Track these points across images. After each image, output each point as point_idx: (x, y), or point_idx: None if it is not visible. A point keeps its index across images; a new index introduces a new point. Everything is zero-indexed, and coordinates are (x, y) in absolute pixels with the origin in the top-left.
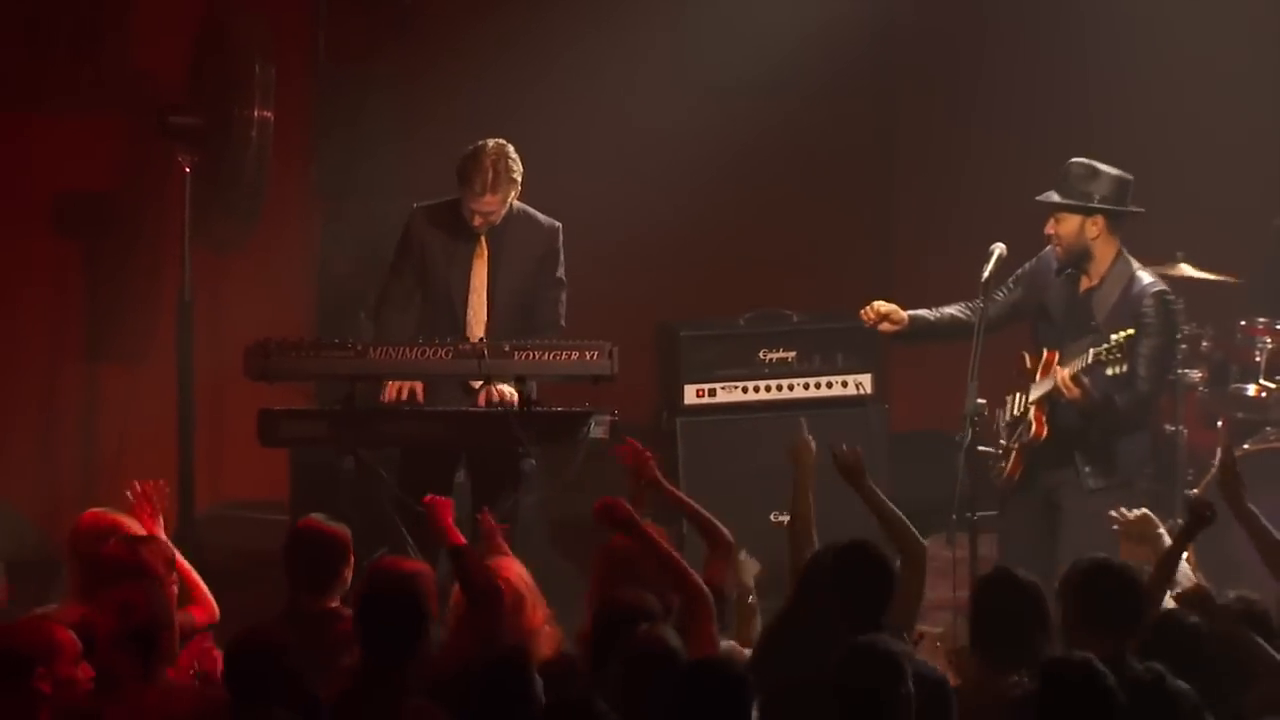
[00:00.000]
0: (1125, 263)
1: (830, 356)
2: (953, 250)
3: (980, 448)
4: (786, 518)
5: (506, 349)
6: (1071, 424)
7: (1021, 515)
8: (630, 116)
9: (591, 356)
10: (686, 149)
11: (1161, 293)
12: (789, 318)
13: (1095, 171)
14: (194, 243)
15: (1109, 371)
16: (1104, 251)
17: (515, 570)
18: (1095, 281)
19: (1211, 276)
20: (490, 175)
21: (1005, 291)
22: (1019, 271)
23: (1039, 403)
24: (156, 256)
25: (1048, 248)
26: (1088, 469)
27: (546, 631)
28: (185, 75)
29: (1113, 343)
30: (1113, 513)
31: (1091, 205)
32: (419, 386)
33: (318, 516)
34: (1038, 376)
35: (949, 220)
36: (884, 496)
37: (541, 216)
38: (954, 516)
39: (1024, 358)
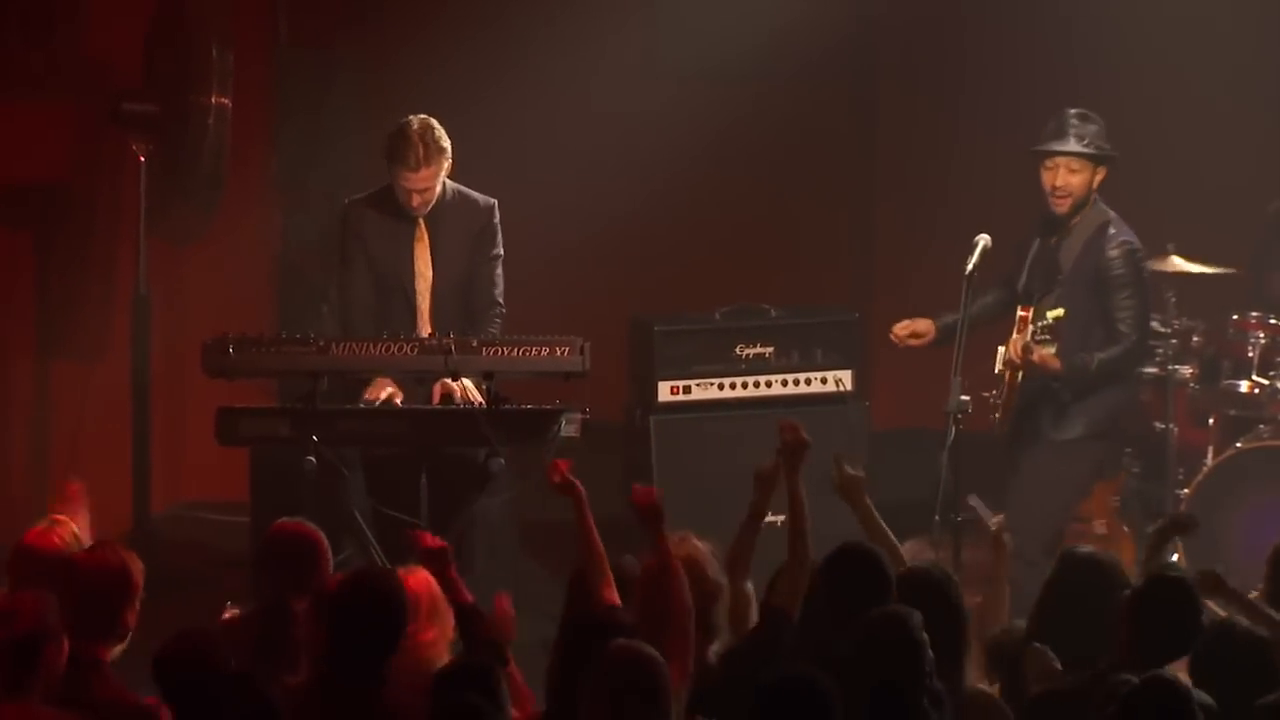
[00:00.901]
0: (1100, 209)
1: (809, 352)
2: (937, 241)
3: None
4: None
5: (474, 344)
6: (1037, 381)
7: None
8: (602, 104)
9: (562, 352)
10: (660, 138)
11: (1128, 245)
12: (767, 312)
13: (1092, 118)
14: (149, 234)
15: (1041, 351)
16: (1090, 207)
17: (420, 578)
18: (1061, 230)
19: (1204, 269)
20: (421, 149)
21: (996, 291)
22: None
23: (1007, 363)
24: (110, 249)
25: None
26: (1050, 421)
27: (439, 648)
28: (140, 60)
29: (1047, 321)
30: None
31: (1111, 153)
32: (398, 393)
33: (290, 519)
34: (1014, 333)
35: (933, 210)
36: (880, 520)
37: (477, 194)
38: (936, 518)
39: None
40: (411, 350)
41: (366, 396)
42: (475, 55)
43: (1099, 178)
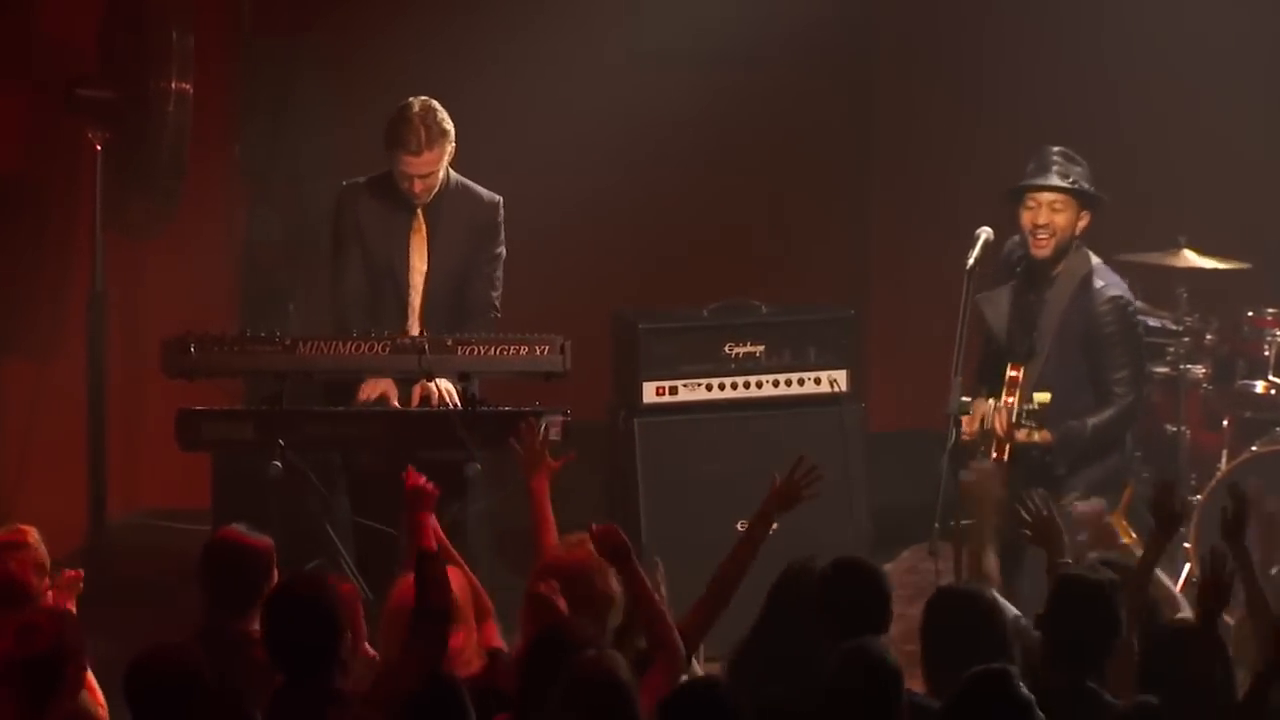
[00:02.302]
0: (1083, 256)
1: (802, 351)
2: (935, 235)
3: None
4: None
5: (449, 343)
6: (1034, 455)
7: None
8: (582, 91)
9: (542, 351)
10: (644, 125)
11: (1119, 299)
12: (757, 309)
13: (1076, 159)
14: (106, 228)
15: (1025, 435)
16: (1073, 252)
17: (457, 581)
18: (1044, 280)
19: (1217, 264)
20: (423, 132)
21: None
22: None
23: (1010, 423)
24: (65, 243)
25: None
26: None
27: (467, 654)
28: (95, 44)
29: (1033, 405)
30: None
31: (1098, 195)
32: (392, 392)
33: (238, 527)
34: (1003, 396)
35: (930, 202)
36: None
37: (482, 189)
38: (936, 525)
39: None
40: (383, 349)
41: (360, 398)
42: (450, 42)
43: (1083, 223)
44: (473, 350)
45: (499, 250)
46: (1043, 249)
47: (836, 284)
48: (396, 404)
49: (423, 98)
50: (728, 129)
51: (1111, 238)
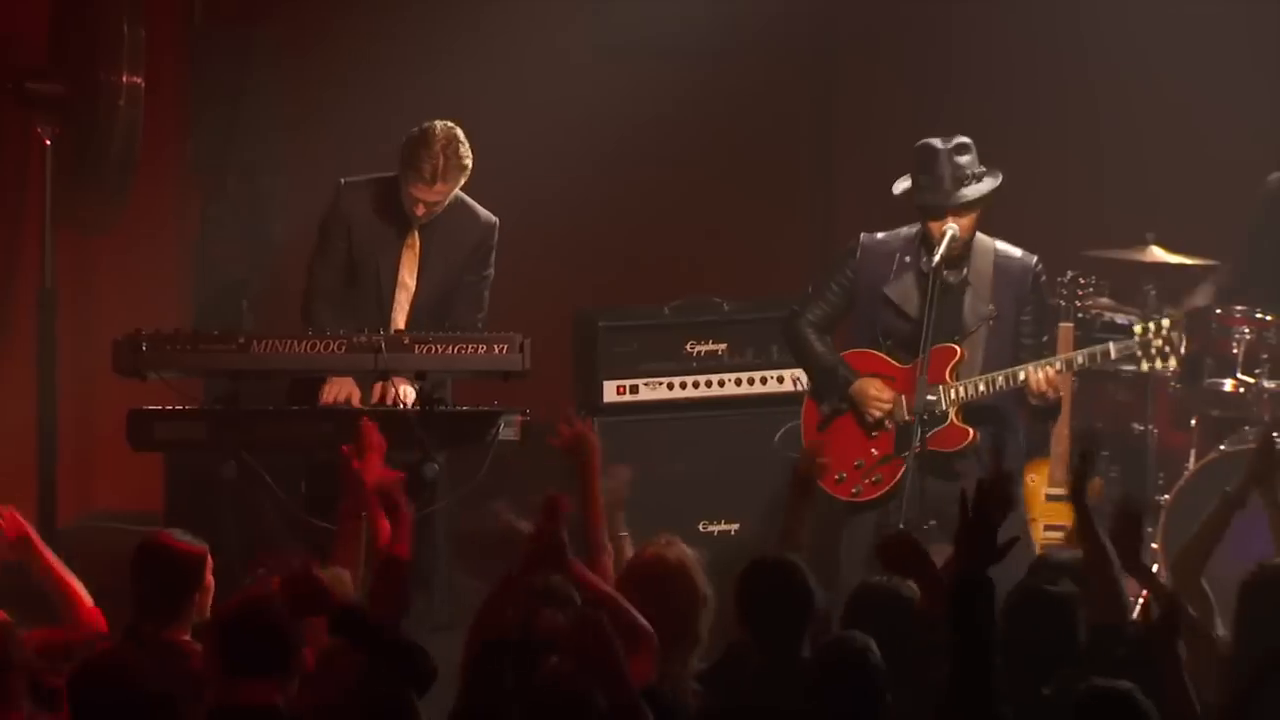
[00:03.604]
0: (980, 237)
1: (765, 349)
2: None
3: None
4: (717, 528)
5: (406, 341)
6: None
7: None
8: (542, 85)
9: (500, 350)
10: (603, 122)
11: (1039, 266)
12: (719, 306)
13: (963, 147)
14: (56, 224)
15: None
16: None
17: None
18: (956, 263)
19: (1186, 260)
20: (441, 161)
21: (836, 294)
22: (840, 268)
23: (958, 405)
24: (13, 239)
25: (868, 236)
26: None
27: None
28: (44, 37)
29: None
30: None
31: (993, 191)
32: (355, 394)
33: (174, 532)
34: (947, 376)
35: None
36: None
37: (480, 209)
38: (902, 524)
39: (875, 357)
40: (340, 348)
41: (323, 400)
42: (406, 34)
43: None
44: (430, 349)
45: (488, 272)
46: (955, 250)
47: (800, 280)
48: (357, 402)
49: (448, 124)
50: (689, 125)
51: (1079, 234)
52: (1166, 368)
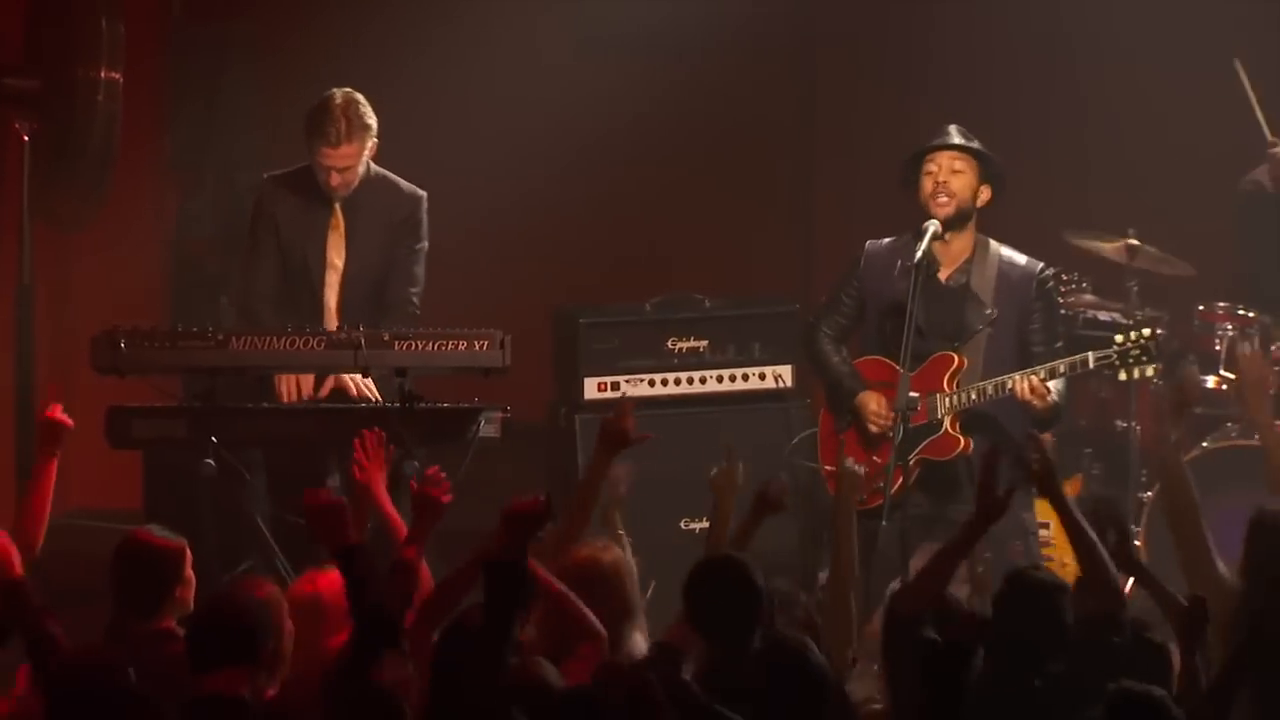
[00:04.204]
0: (985, 244)
1: (746, 346)
2: (880, 229)
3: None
4: (699, 525)
5: (386, 338)
6: (977, 435)
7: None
8: (523, 82)
9: (481, 347)
10: (584, 119)
11: (1045, 273)
12: (700, 303)
13: (973, 138)
14: (34, 220)
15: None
16: (970, 228)
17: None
18: (956, 268)
19: (1168, 259)
20: (344, 123)
21: (847, 305)
22: (849, 279)
23: (953, 414)
24: None
25: (873, 243)
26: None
27: None
28: (21, 32)
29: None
30: None
31: (998, 163)
32: (309, 383)
33: (152, 528)
34: (945, 384)
35: (874, 196)
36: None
37: (403, 182)
38: (883, 522)
39: (890, 366)
40: (319, 344)
41: (283, 398)
42: (387, 29)
43: (984, 196)
44: (410, 345)
45: (420, 245)
46: (944, 208)
47: (780, 277)
48: (310, 394)
49: (345, 89)
50: (670, 122)
51: (1063, 231)
52: (1145, 376)
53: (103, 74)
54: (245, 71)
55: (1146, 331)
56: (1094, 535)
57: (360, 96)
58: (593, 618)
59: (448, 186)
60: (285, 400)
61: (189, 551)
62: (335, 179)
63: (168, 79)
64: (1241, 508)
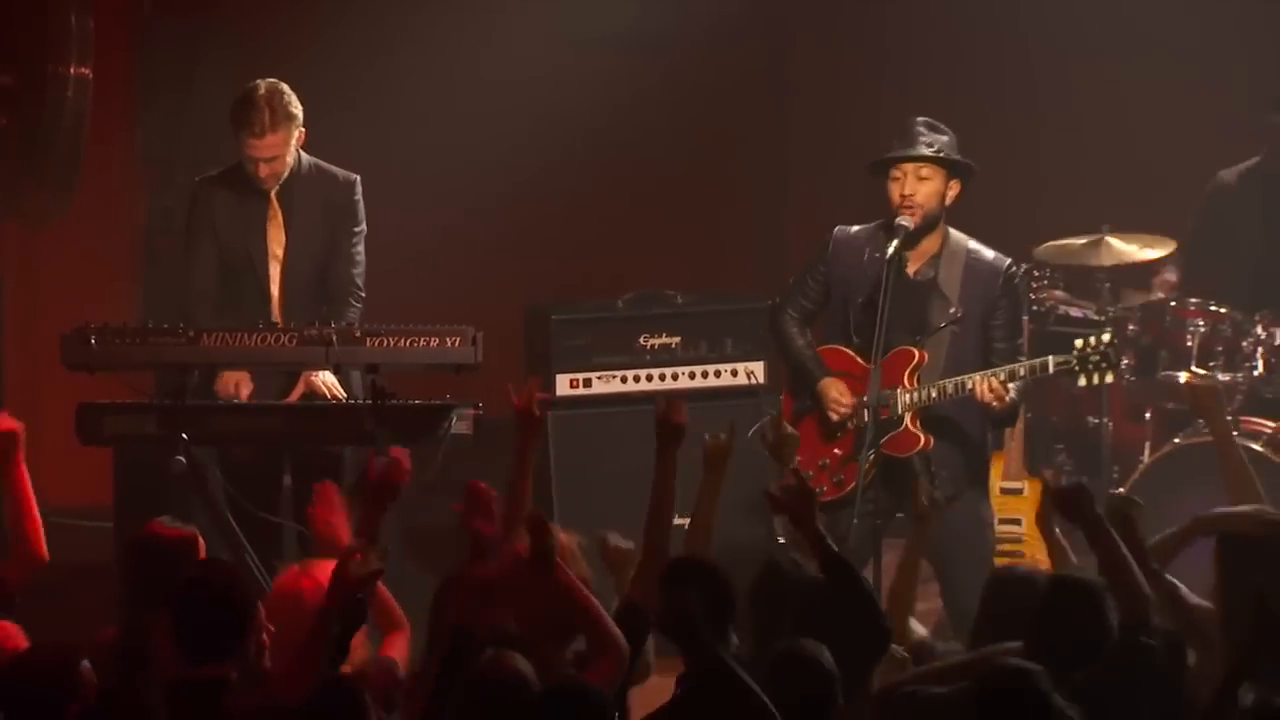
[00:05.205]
0: (954, 239)
1: (718, 342)
2: (852, 223)
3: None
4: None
5: (357, 334)
6: (939, 431)
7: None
8: (494, 75)
9: (453, 343)
10: (557, 111)
11: (1013, 269)
12: (672, 299)
13: (941, 128)
14: (2, 216)
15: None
16: (940, 225)
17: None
18: (924, 262)
19: (1140, 252)
20: (268, 113)
21: (812, 288)
22: (815, 263)
23: (914, 410)
24: None
25: (842, 229)
26: (945, 476)
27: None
28: None
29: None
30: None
31: (967, 163)
32: (244, 381)
33: (162, 519)
34: (906, 380)
35: (847, 191)
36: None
37: (336, 169)
38: (855, 520)
39: (842, 354)
40: (290, 341)
41: (220, 394)
42: (356, 22)
43: (953, 191)
44: (382, 342)
45: (359, 228)
46: (912, 217)
47: (752, 273)
48: (245, 395)
49: (270, 80)
50: (643, 118)
51: (1034, 226)
52: (1104, 382)
53: (72, 70)
54: (216, 66)
55: (1106, 337)
56: (1117, 536)
57: (285, 86)
58: (615, 630)
59: (420, 180)
60: (223, 399)
61: (200, 539)
62: (264, 169)
63: (138, 73)
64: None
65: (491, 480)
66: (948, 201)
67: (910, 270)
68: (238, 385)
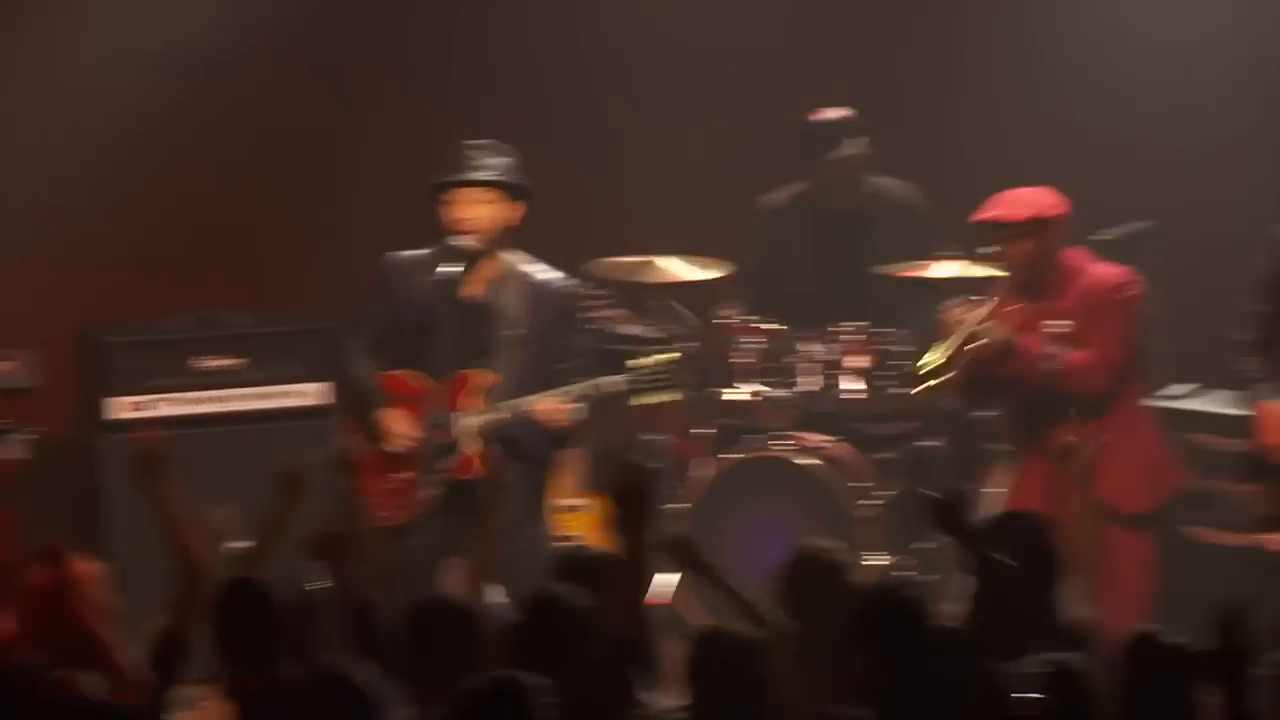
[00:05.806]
0: (514, 261)
1: (280, 364)
2: (416, 243)
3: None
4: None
5: None
6: (504, 452)
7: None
8: (46, 90)
9: (5, 367)
10: (114, 130)
11: (573, 290)
12: (231, 320)
13: (503, 150)
14: None
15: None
16: (501, 246)
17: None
18: (483, 285)
19: (695, 273)
20: None
21: (372, 316)
22: (371, 292)
23: (479, 433)
24: None
25: (393, 256)
26: (512, 496)
27: None
28: None
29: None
30: None
31: (521, 185)
32: None
33: None
34: (468, 403)
35: (412, 211)
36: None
37: None
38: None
39: (403, 381)
40: None
41: None
42: None
43: (517, 213)
44: None
45: None
46: (470, 240)
47: (316, 291)
48: None
49: None
50: (205, 135)
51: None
52: (660, 401)
53: None
54: None
55: (661, 358)
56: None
57: None
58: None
59: None
60: None
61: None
62: None
63: None
64: (762, 521)
65: (45, 505)
66: (510, 223)
67: (470, 293)
68: None
